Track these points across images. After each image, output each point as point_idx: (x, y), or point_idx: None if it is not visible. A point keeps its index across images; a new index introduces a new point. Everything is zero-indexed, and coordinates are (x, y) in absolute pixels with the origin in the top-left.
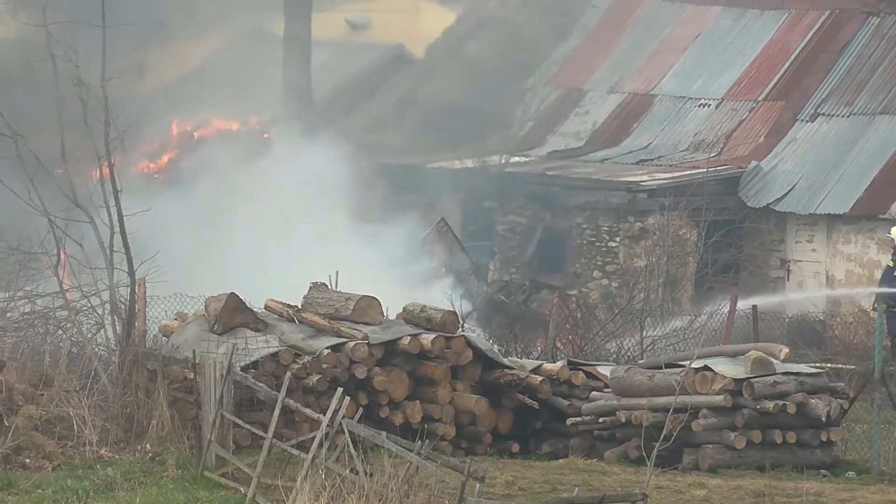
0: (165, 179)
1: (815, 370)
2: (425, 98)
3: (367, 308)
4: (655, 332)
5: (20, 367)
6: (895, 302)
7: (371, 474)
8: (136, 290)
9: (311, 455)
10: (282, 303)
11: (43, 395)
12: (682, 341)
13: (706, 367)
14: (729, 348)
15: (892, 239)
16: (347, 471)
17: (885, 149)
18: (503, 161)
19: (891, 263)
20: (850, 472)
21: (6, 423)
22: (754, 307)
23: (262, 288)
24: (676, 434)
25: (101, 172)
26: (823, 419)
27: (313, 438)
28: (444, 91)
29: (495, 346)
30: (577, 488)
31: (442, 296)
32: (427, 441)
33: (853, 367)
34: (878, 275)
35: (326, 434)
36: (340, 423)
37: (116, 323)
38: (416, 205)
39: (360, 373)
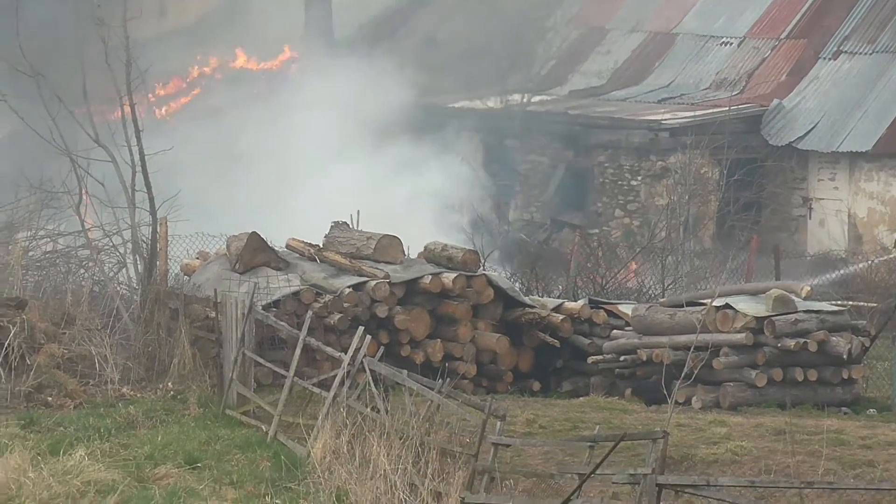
0: (187, 119)
1: (836, 308)
2: (446, 38)
3: (388, 247)
4: (678, 271)
5: (42, 306)
6: None
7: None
8: (158, 230)
9: (332, 393)
10: (303, 242)
11: (65, 333)
12: (703, 279)
13: (727, 306)
14: (750, 286)
15: None
16: (368, 409)
17: None
18: (525, 100)
19: None
20: (871, 410)
21: (28, 361)
22: (776, 246)
23: (284, 227)
24: (697, 372)
25: (122, 112)
26: (844, 357)
27: (334, 377)
28: (465, 31)
29: (516, 284)
30: (597, 426)
31: (464, 234)
32: (448, 379)
33: (875, 304)
34: None
35: (347, 372)
36: (361, 362)
37: (138, 262)
38: (438, 144)
39: (382, 312)
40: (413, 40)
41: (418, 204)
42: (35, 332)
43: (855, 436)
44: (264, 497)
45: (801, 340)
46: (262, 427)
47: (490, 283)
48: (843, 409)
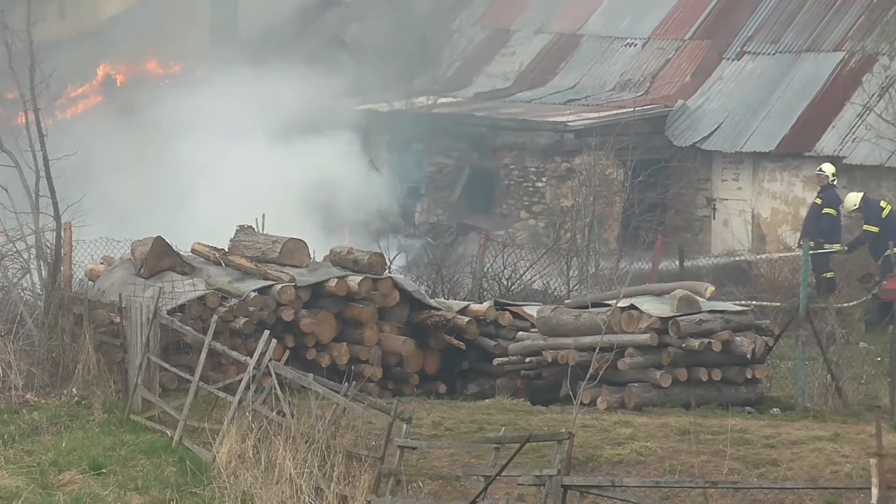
0: (93, 123)
1: (740, 308)
2: (353, 39)
3: (293, 250)
4: (583, 273)
5: None
6: (824, 239)
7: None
8: (62, 235)
9: (237, 397)
10: (208, 246)
11: None
12: (608, 281)
13: (632, 306)
14: (655, 287)
15: (827, 176)
16: (274, 413)
17: (810, 86)
18: (430, 102)
19: (818, 201)
20: (775, 409)
21: None
22: (680, 247)
23: (190, 231)
24: (602, 373)
25: (26, 117)
26: (749, 356)
27: (240, 381)
28: (371, 32)
29: (422, 287)
30: (503, 428)
31: (369, 237)
32: (354, 382)
33: (778, 304)
34: (802, 212)
35: (253, 376)
36: (267, 366)
37: (42, 267)
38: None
39: (287, 315)
40: (320, 41)
41: (324, 207)
42: None
43: (759, 435)
44: (170, 502)
45: (706, 340)
46: (168, 432)
47: (396, 285)
48: (748, 408)
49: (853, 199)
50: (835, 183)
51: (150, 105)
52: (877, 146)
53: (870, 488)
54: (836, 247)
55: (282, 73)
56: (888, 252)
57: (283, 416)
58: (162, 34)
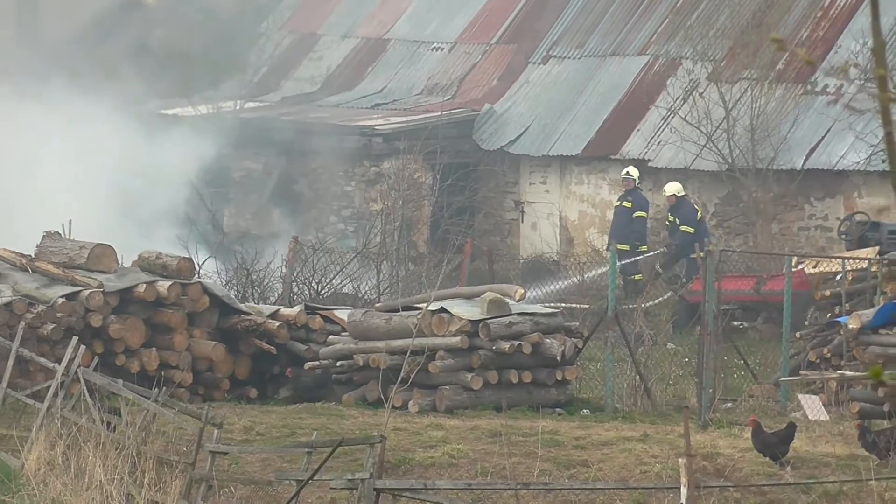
0: None
1: (549, 310)
2: (158, 43)
3: (101, 256)
4: (393, 276)
5: None
6: (637, 242)
7: (111, 424)
8: None
9: (46, 404)
10: (14, 252)
11: None
12: (418, 284)
13: (443, 310)
14: (465, 290)
15: (633, 179)
16: (83, 420)
17: (615, 90)
18: (237, 107)
19: (627, 204)
20: (585, 410)
21: None
22: (489, 250)
23: None
24: (414, 376)
25: None
26: (558, 358)
27: (48, 388)
28: (176, 36)
29: (232, 291)
30: (315, 432)
31: (178, 243)
32: (164, 388)
33: (587, 306)
34: (610, 215)
35: (62, 383)
36: (76, 372)
37: None
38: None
39: (96, 321)
40: (124, 45)
41: (130, 211)
42: None
43: (569, 436)
44: None
45: (516, 343)
46: None
47: (205, 290)
48: (558, 410)
49: (677, 186)
50: (639, 186)
51: None
52: (681, 149)
53: (679, 488)
54: (644, 248)
55: (85, 80)
56: (693, 255)
57: (110, 423)
58: None
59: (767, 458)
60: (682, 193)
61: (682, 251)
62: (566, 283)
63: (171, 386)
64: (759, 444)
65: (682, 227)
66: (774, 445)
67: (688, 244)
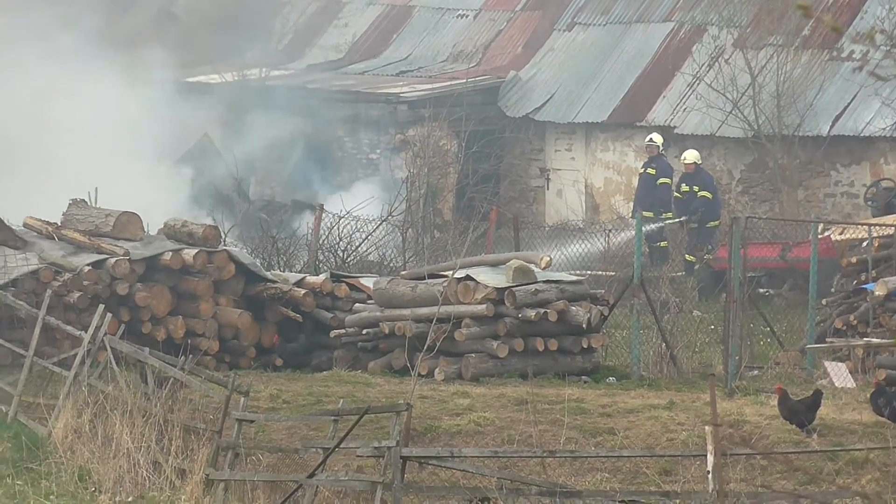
0: None
1: (575, 277)
2: (183, 11)
3: (127, 224)
4: (419, 244)
5: None
6: (661, 209)
7: (143, 392)
8: None
9: (72, 372)
10: (41, 220)
11: None
12: (444, 252)
13: (468, 277)
14: (491, 258)
15: (657, 146)
16: (110, 387)
17: (640, 57)
18: (263, 74)
19: (651, 171)
20: (611, 378)
21: None
22: (514, 217)
23: (22, 205)
24: (439, 344)
25: None
26: (584, 326)
27: (75, 356)
28: (201, 4)
29: (258, 259)
30: (341, 400)
31: (204, 211)
32: (190, 356)
33: (613, 273)
34: (634, 182)
35: (88, 351)
36: (102, 340)
37: None
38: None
39: (122, 289)
40: (150, 13)
41: (156, 180)
42: None
43: (595, 404)
44: (5, 478)
45: (541, 310)
46: (2, 408)
47: (231, 258)
48: (584, 377)
49: (696, 154)
50: (664, 152)
51: None
52: (707, 115)
53: (705, 455)
54: (669, 215)
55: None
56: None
57: (120, 390)
58: None
59: (794, 426)
60: (700, 162)
61: (705, 216)
62: (591, 249)
63: (197, 354)
64: (786, 412)
65: (702, 193)
66: (801, 413)
67: (710, 209)
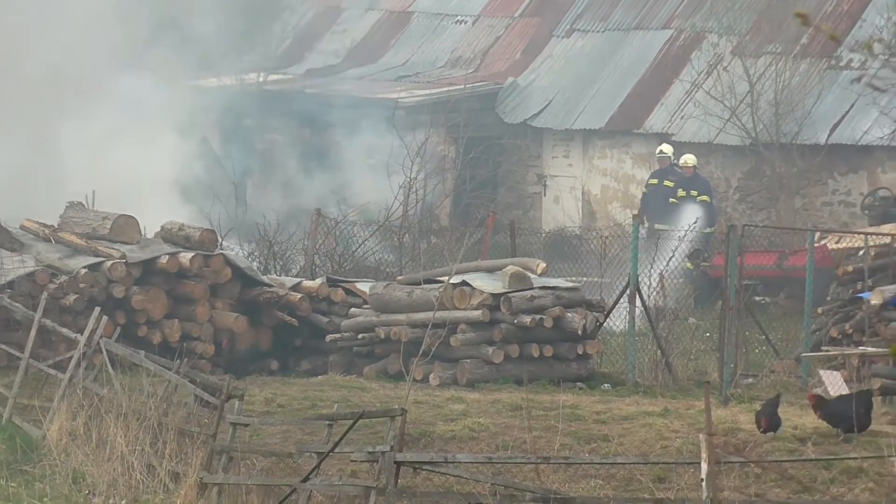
0: None
1: (571, 284)
2: (181, 15)
3: (124, 227)
4: (415, 249)
5: None
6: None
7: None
8: None
9: (68, 375)
10: (38, 222)
11: None
12: (440, 257)
13: (464, 283)
14: (487, 263)
15: (668, 157)
16: (105, 390)
17: (638, 64)
18: (261, 79)
19: (669, 183)
20: (606, 384)
21: None
22: (511, 223)
23: (19, 208)
24: (435, 349)
25: None
26: (579, 332)
27: (71, 358)
28: (200, 8)
29: (254, 263)
30: (336, 404)
31: (201, 214)
32: (186, 359)
33: (609, 280)
34: (632, 189)
35: (84, 353)
36: (98, 343)
37: None
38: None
39: (118, 292)
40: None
41: (154, 183)
42: None
43: (590, 411)
44: None
45: (537, 317)
46: None
47: (227, 262)
48: (579, 384)
49: (694, 157)
50: (676, 162)
51: None
52: (705, 123)
53: (699, 463)
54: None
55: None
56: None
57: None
58: None
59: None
60: (697, 166)
61: (707, 220)
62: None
63: (193, 357)
64: (827, 415)
65: (701, 197)
66: (849, 412)
67: (709, 214)
